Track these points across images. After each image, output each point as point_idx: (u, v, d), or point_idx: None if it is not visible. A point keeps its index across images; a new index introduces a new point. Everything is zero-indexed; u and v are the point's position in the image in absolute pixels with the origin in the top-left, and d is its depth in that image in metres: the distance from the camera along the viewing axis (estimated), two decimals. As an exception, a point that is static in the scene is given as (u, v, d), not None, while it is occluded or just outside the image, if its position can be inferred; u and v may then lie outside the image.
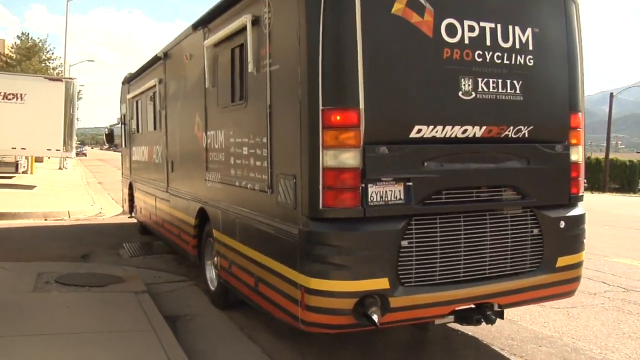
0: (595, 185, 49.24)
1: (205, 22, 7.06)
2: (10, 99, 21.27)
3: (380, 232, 4.67)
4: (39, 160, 34.15)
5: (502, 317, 5.37)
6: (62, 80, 22.81)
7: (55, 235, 12.49)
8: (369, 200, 4.62)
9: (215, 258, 7.02)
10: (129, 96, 12.63)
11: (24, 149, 22.13)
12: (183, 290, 8.14)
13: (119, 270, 8.50)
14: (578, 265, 5.59)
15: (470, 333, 6.40)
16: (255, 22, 5.56)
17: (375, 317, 4.53)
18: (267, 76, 5.30)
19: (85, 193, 21.80)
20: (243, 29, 5.76)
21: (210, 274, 7.41)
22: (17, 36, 51.61)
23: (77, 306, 6.44)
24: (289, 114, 4.94)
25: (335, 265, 4.59)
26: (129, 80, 12.76)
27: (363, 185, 4.60)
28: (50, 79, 24.63)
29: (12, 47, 51.17)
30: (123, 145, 14.20)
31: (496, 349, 6.01)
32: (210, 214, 7.16)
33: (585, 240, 5.69)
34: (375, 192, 4.65)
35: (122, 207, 15.38)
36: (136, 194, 12.55)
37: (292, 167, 4.86)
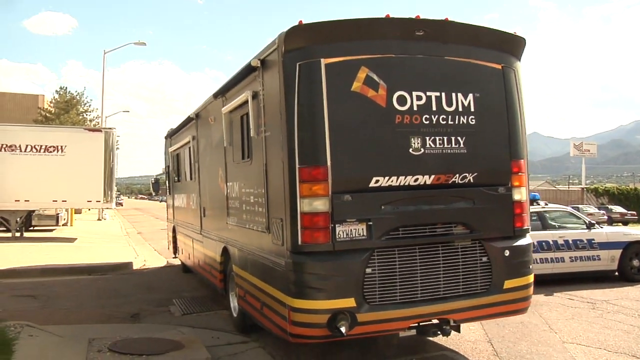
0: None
1: (222, 93, 8.44)
2: (51, 152, 21.08)
3: (347, 262, 5.86)
4: (77, 211, 34.05)
5: (458, 331, 6.49)
6: (101, 131, 22.62)
7: (100, 291, 11.88)
8: (337, 237, 5.84)
9: (236, 289, 8.24)
10: (170, 149, 14.39)
11: (65, 201, 21.82)
12: (247, 354, 7.36)
13: (175, 333, 7.77)
14: (525, 287, 6.61)
15: None
16: (254, 96, 6.90)
17: (343, 329, 5.73)
18: (263, 140, 6.63)
19: (126, 244, 21.32)
20: (246, 101, 7.10)
21: (234, 303, 8.54)
22: (56, 90, 52.45)
23: (137, 381, 5.68)
24: (277, 170, 6.19)
25: (312, 288, 5.80)
26: (170, 135, 14.44)
27: (332, 225, 5.83)
28: (89, 130, 24.52)
29: (50, 102, 52.07)
30: (167, 193, 15.87)
31: None
32: (231, 251, 8.52)
33: (530, 266, 6.68)
34: (342, 231, 5.87)
35: (169, 248, 16.18)
36: (178, 237, 14.24)
37: (280, 212, 6.10)
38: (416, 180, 6.08)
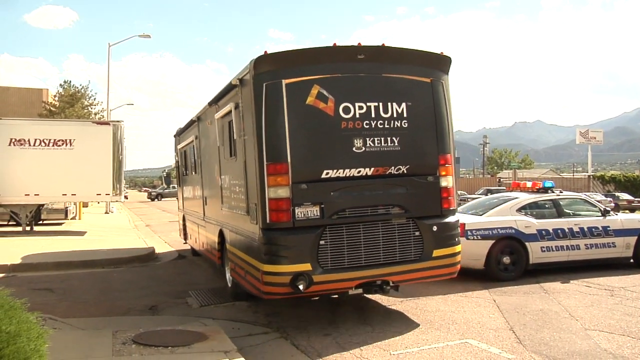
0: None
1: (215, 102, 10.06)
2: (59, 145, 21.04)
3: (304, 236, 7.45)
4: (84, 205, 34.07)
5: (397, 290, 8.50)
6: (109, 124, 22.54)
7: (115, 284, 11.91)
8: (297, 217, 7.45)
9: (229, 263, 9.84)
10: (178, 147, 16.40)
11: (74, 194, 21.78)
12: (269, 344, 7.38)
13: (197, 325, 7.78)
14: (452, 255, 8.18)
15: None
16: (236, 107, 8.51)
17: (301, 287, 7.29)
18: (243, 142, 8.25)
19: (136, 237, 21.32)
20: (230, 111, 8.83)
21: (228, 275, 10.10)
22: (60, 84, 52.36)
23: (166, 372, 5.68)
24: (252, 166, 7.76)
25: (278, 256, 7.38)
26: (178, 134, 16.29)
27: (292, 208, 7.43)
28: (98, 123, 24.48)
29: (55, 96, 52.02)
30: (178, 185, 17.70)
31: None
32: (225, 233, 10.14)
33: (457, 239, 8.26)
34: (300, 212, 7.46)
35: (180, 235, 17.66)
36: (187, 224, 15.97)
37: (255, 198, 7.70)
38: (359, 172, 7.69)
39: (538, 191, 12.64)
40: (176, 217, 20.38)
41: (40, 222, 24.31)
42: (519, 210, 11.69)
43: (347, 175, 7.63)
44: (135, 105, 79.14)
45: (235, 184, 8.98)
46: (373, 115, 7.75)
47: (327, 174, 7.55)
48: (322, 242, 7.46)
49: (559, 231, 11.53)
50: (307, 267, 7.36)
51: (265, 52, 7.62)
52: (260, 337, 7.64)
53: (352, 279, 7.60)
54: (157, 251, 16.96)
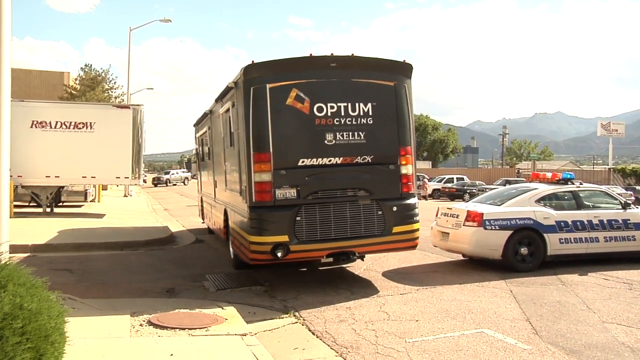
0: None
1: (220, 99, 11.87)
2: (80, 128, 21.25)
3: (283, 213, 8.97)
4: (103, 188, 34.41)
5: (362, 259, 10.61)
6: (129, 108, 22.70)
7: (134, 266, 12.04)
8: (277, 197, 8.98)
9: (231, 238, 11.34)
10: (197, 135, 18.38)
11: (94, 177, 22.04)
12: (284, 329, 7.43)
13: (214, 308, 7.84)
14: (410, 232, 9.60)
15: None
16: (233, 105, 10.26)
17: (279, 255, 8.85)
18: (237, 135, 9.87)
19: (155, 221, 21.50)
20: (229, 108, 10.69)
21: (230, 248, 11.54)
22: (81, 68, 52.74)
23: (182, 354, 5.74)
24: (244, 154, 9.29)
25: (262, 229, 8.93)
26: (196, 124, 18.13)
27: (273, 190, 8.96)
28: (118, 107, 24.65)
29: (76, 79, 52.40)
30: (197, 170, 19.91)
31: None
32: (228, 212, 11.67)
33: (415, 218, 9.65)
34: (280, 193, 8.99)
35: (199, 215, 19.42)
36: (204, 205, 17.61)
37: (245, 182, 9.24)
38: (330, 160, 9.22)
39: (557, 182, 12.53)
40: (194, 201, 20.71)
41: (60, 204, 24.58)
42: (538, 201, 11.59)
43: (320, 163, 9.18)
44: (155, 90, 79.24)
45: (234, 170, 10.51)
46: (342, 114, 9.27)
47: (303, 162, 9.11)
48: (298, 218, 9.02)
49: (578, 223, 11.42)
50: (285, 238, 8.92)
51: (253, 61, 9.23)
52: (276, 322, 7.68)
53: (323, 249, 9.21)
54: (174, 235, 17.11)
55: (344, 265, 11.07)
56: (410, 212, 9.58)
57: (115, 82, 52.30)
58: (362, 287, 9.71)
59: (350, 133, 9.25)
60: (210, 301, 8.64)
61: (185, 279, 10.66)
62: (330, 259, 9.42)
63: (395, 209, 9.40)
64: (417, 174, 45.68)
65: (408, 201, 9.58)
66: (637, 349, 6.45)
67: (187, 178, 73.90)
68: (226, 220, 11.89)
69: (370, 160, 9.34)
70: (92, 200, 28.29)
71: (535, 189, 12.03)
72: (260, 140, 8.93)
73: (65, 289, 9.15)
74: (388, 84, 9.53)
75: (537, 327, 7.31)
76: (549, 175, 13.16)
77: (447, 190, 44.03)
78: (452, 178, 49.34)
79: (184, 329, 6.61)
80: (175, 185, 69.45)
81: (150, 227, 18.99)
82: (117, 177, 22.42)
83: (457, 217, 11.57)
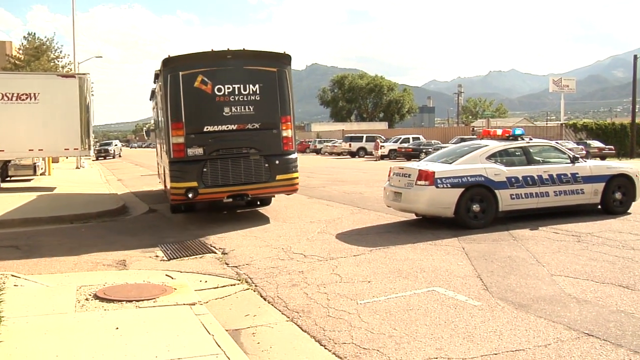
0: (622, 151, 47.88)
1: (155, 79, 14.65)
2: (23, 99, 20.47)
3: (193, 165, 12.19)
4: (54, 160, 33.45)
5: (256, 201, 14.69)
6: (75, 77, 21.95)
7: (84, 239, 11.70)
8: (188, 154, 12.20)
9: (166, 188, 14.39)
10: (152, 107, 19.95)
11: (41, 150, 21.34)
12: (236, 296, 7.35)
13: (163, 278, 7.68)
14: (290, 179, 12.84)
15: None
16: (160, 88, 13.22)
17: (190, 196, 12.12)
18: (162, 109, 13.12)
19: (107, 192, 21.02)
20: (158, 88, 13.72)
21: (168, 197, 13.66)
22: (24, 37, 50.66)
23: (128, 327, 5.58)
24: (165, 123, 12.69)
25: (177, 177, 12.23)
26: (150, 97, 19.31)
27: (186, 149, 12.17)
28: (63, 76, 23.73)
29: (19, 49, 50.37)
30: (156, 139, 21.00)
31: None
32: (165, 169, 14.36)
33: (294, 169, 12.88)
34: (190, 151, 12.19)
35: (159, 182, 20.30)
36: (159, 170, 19.38)
37: (168, 144, 12.45)
38: (227, 127, 12.42)
39: (508, 139, 12.62)
40: (149, 170, 20.65)
41: (8, 178, 23.82)
42: (489, 158, 11.66)
43: (220, 129, 12.37)
44: (105, 58, 76.84)
45: (164, 136, 13.27)
46: (237, 93, 12.44)
47: (207, 128, 12.31)
48: (204, 169, 12.23)
49: (529, 178, 11.56)
50: (194, 184, 12.16)
51: (169, 55, 12.40)
52: (228, 289, 7.59)
53: (223, 192, 12.50)
54: (127, 205, 16.76)
55: (298, 230, 10.99)
56: (290, 164, 12.86)
57: (61, 51, 50.48)
58: (316, 251, 9.66)
59: (243, 106, 12.45)
60: (161, 271, 8.47)
61: (137, 249, 10.42)
62: (230, 200, 12.74)
63: (277, 162, 12.63)
64: (373, 134, 46.14)
65: (288, 156, 12.88)
66: (583, 300, 6.58)
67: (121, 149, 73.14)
68: (164, 177, 14.86)
69: (258, 127, 12.58)
70: (42, 174, 27.47)
71: (486, 145, 12.10)
72: (175, 112, 12.21)
73: (10, 267, 8.92)
74: (271, 69, 12.77)
75: (487, 283, 7.38)
76: (499, 132, 13.25)
77: (403, 150, 44.39)
78: (408, 138, 49.65)
79: (131, 301, 6.44)
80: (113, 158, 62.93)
81: (101, 198, 18.56)
82: (65, 149, 21.80)
83: (409, 177, 11.56)
